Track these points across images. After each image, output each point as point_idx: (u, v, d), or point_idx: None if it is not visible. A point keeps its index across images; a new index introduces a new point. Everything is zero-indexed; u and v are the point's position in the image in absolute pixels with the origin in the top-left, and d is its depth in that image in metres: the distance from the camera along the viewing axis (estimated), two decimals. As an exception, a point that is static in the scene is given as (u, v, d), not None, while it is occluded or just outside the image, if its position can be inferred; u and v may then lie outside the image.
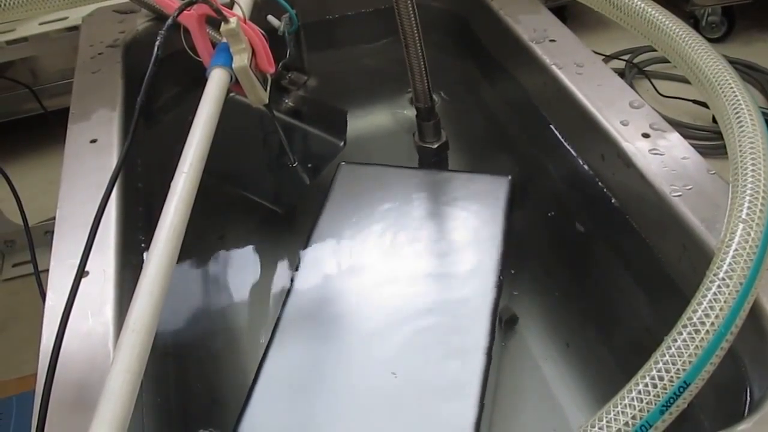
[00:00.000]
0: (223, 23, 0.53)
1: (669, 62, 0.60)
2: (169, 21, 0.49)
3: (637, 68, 1.72)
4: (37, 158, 1.55)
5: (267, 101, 0.59)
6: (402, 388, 0.51)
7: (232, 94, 0.69)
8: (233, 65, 0.54)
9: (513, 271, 0.63)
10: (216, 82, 0.52)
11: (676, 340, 0.38)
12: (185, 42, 0.56)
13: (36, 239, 0.96)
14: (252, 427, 0.50)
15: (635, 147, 0.61)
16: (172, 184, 0.43)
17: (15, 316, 1.29)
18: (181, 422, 0.57)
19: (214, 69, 0.53)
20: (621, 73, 1.70)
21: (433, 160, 0.77)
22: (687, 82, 0.58)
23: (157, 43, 0.47)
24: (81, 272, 0.37)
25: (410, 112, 0.79)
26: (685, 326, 0.38)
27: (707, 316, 0.38)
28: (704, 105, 1.44)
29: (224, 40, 0.54)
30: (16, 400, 1.12)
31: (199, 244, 0.72)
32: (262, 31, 0.58)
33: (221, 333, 0.65)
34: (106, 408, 0.32)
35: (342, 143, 0.76)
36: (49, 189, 0.63)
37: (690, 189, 0.56)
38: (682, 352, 0.37)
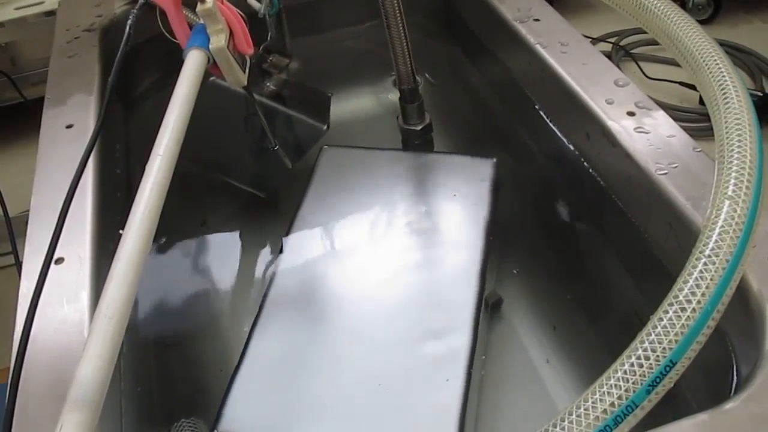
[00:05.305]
0: (199, 3, 0.52)
1: (656, 45, 0.60)
2: (142, 0, 0.47)
3: (623, 51, 1.71)
4: (18, 148, 1.53)
5: (246, 83, 0.58)
6: (388, 370, 0.51)
7: (212, 78, 0.68)
8: (210, 46, 0.53)
9: (500, 255, 0.62)
10: (193, 63, 0.51)
11: (662, 319, 0.37)
12: (161, 24, 0.55)
13: (17, 229, 0.94)
14: (234, 415, 0.49)
15: (620, 125, 0.61)
16: (147, 166, 0.42)
17: (-3, 308, 1.27)
18: (162, 411, 0.56)
19: (190, 50, 0.52)
20: (608, 56, 1.69)
21: (417, 143, 0.76)
22: (674, 64, 0.57)
23: (129, 22, 0.46)
24: (50, 258, 0.36)
25: (394, 95, 0.79)
26: (671, 304, 0.38)
27: (693, 294, 0.38)
28: (691, 87, 1.44)
29: (201, 21, 0.53)
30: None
31: (181, 230, 0.71)
32: (241, 12, 0.57)
33: (204, 320, 0.64)
34: (77, 394, 0.31)
35: (325, 126, 0.75)
36: (30, 179, 0.61)
37: (676, 167, 0.56)
38: (668, 331, 0.37)
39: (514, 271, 0.63)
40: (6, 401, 0.34)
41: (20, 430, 0.41)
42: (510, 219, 0.67)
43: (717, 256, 0.39)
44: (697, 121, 1.46)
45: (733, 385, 0.46)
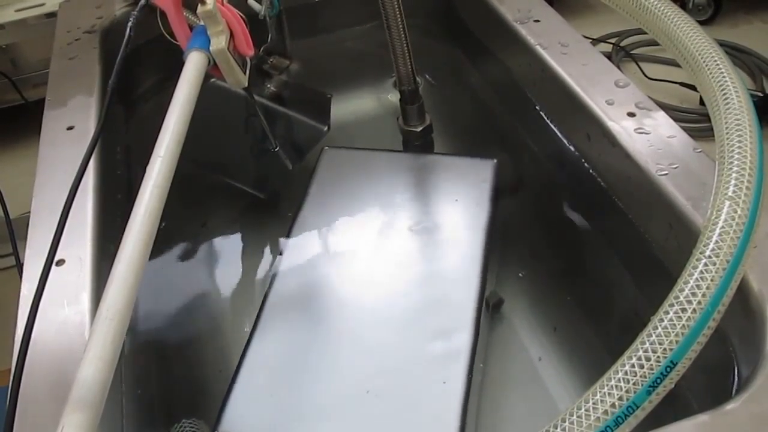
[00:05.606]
0: (199, 5, 0.52)
1: (656, 45, 0.59)
2: (143, 1, 0.47)
3: (624, 51, 1.71)
4: (19, 149, 1.53)
5: (246, 84, 0.58)
6: (389, 372, 0.51)
7: (213, 80, 0.68)
8: (211, 48, 0.53)
9: (501, 256, 0.62)
10: (193, 65, 0.51)
11: (662, 320, 0.37)
12: (162, 25, 0.55)
13: (19, 231, 0.94)
14: (235, 415, 0.49)
15: (620, 126, 0.60)
16: (148, 168, 0.42)
17: (-3, 310, 1.27)
18: (163, 412, 0.56)
19: (191, 52, 0.52)
20: (608, 57, 1.69)
21: (417, 144, 0.76)
22: (674, 64, 0.57)
23: (129, 24, 0.45)
24: (51, 260, 0.36)
25: (394, 96, 0.79)
26: (671, 305, 0.38)
27: (694, 294, 0.38)
28: (691, 87, 1.44)
29: (201, 22, 0.53)
30: (-2, 394, 1.10)
31: (182, 231, 0.71)
32: (241, 14, 0.57)
33: (204, 322, 0.64)
34: (78, 396, 0.31)
35: (325, 128, 0.75)
36: (31, 181, 0.62)
37: (676, 168, 0.56)
38: (669, 332, 0.37)
39: (520, 275, 0.63)
40: (7, 403, 0.34)
41: (21, 432, 0.41)
42: (510, 220, 0.67)
43: (717, 256, 0.39)
44: (697, 122, 1.46)
45: (734, 386, 0.46)
